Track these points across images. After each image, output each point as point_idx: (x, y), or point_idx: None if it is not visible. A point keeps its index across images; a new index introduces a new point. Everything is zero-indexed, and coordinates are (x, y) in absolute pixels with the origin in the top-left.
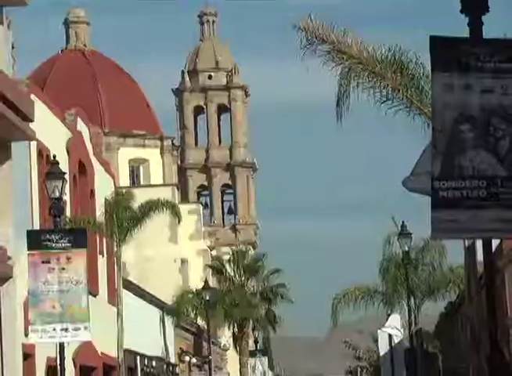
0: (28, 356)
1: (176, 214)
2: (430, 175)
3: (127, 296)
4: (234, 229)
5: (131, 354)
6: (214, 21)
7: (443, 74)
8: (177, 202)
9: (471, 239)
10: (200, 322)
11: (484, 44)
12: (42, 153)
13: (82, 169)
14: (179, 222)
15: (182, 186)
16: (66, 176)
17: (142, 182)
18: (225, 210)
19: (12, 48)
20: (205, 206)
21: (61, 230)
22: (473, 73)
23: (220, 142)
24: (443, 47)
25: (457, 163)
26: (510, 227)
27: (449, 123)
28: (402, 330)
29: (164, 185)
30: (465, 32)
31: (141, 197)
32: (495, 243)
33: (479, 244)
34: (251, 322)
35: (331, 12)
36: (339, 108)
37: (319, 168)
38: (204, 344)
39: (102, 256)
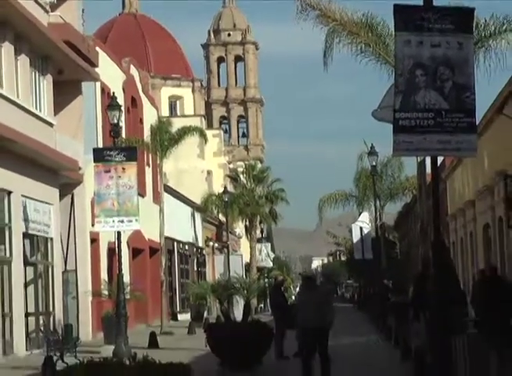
0: (94, 240)
1: (203, 136)
2: (392, 109)
3: (166, 197)
4: (246, 148)
5: (169, 240)
6: None
7: (403, 33)
8: (204, 128)
9: (422, 156)
10: (221, 217)
11: (433, 10)
12: (104, 90)
13: (134, 103)
14: (206, 142)
15: (208, 116)
16: (122, 108)
17: (178, 113)
18: (240, 134)
19: (83, 12)
20: (225, 131)
21: (118, 148)
22: (425, 32)
23: (236, 83)
24: (403, 12)
25: (412, 99)
26: (451, 147)
27: (407, 69)
28: (370, 224)
29: (194, 115)
30: (421, 1)
31: (177, 124)
32: (439, 159)
33: (428, 159)
34: (258, 217)
35: None
36: (325, 58)
37: (313, 104)
38: (224, 233)
39: (149, 167)
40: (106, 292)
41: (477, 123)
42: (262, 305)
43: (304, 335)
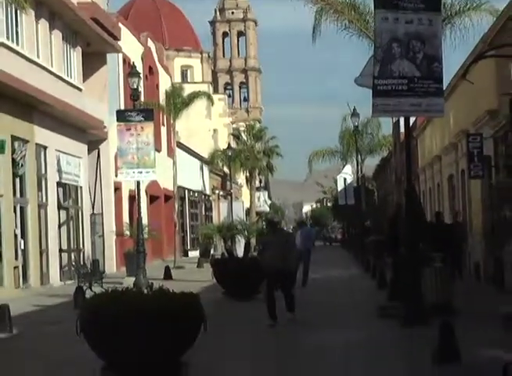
0: (117, 189)
1: (210, 100)
2: (372, 76)
3: (179, 152)
4: (247, 111)
5: (181, 188)
6: None
7: (381, 11)
8: (211, 93)
9: (397, 116)
10: (225, 169)
11: None
12: (126, 60)
13: (151, 71)
14: (212, 105)
15: (214, 83)
16: (141, 75)
17: (188, 80)
18: (242, 99)
19: None
20: (229, 96)
21: (137, 110)
22: (400, 10)
23: (238, 55)
24: None
25: (389, 68)
26: (421, 109)
27: (385, 42)
28: (352, 175)
29: (202, 82)
30: None
31: (188, 89)
32: (412, 119)
33: (402, 120)
34: (257, 169)
35: None
36: (314, 34)
37: (305, 72)
38: (227, 183)
39: (164, 126)
40: (127, 232)
41: (444, 88)
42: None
43: (268, 274)
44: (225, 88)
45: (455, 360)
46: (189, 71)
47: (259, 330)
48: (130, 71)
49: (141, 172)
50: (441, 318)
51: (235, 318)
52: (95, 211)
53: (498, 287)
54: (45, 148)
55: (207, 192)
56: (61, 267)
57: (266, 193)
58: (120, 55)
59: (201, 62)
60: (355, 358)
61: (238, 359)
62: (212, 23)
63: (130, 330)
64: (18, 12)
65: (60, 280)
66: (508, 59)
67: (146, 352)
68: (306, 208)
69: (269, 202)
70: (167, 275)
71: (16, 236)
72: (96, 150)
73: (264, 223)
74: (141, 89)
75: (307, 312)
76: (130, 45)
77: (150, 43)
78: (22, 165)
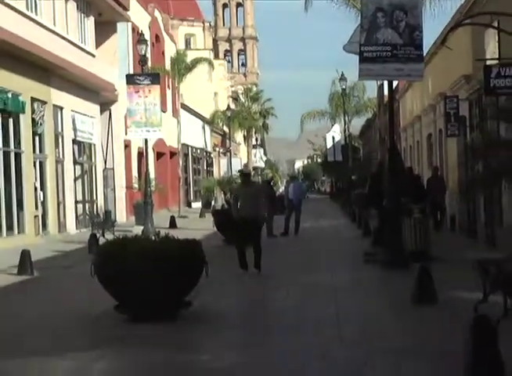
0: (127, 146)
1: (211, 65)
2: (358, 43)
3: (182, 113)
4: (244, 75)
5: (185, 146)
6: None
7: None
8: (212, 59)
9: (381, 80)
10: (225, 128)
11: None
12: (134, 29)
13: (157, 39)
14: (213, 70)
15: (215, 49)
16: (148, 43)
17: (191, 47)
18: (240, 64)
19: None
20: (228, 61)
21: (145, 74)
22: None
23: (237, 24)
24: None
25: (374, 36)
26: (403, 74)
27: (371, 13)
28: (340, 134)
29: (204, 49)
30: None
31: (191, 56)
32: (394, 83)
33: (386, 83)
34: (254, 128)
35: None
36: (306, 4)
37: (299, 40)
38: (227, 141)
39: (169, 89)
40: (136, 185)
41: (424, 55)
42: None
43: (240, 224)
44: (225, 55)
45: (431, 301)
46: (192, 39)
47: (255, 274)
48: (138, 39)
49: (148, 131)
50: (419, 263)
51: (234, 262)
52: (107, 167)
53: (471, 237)
54: (62, 108)
55: (209, 149)
56: (77, 216)
57: (262, 151)
58: (130, 24)
59: (203, 30)
60: (343, 296)
61: (234, 299)
62: None
63: (139, 272)
64: None
65: (76, 228)
66: (482, 28)
67: (153, 291)
68: (298, 164)
69: (265, 158)
70: (172, 224)
71: (35, 188)
72: (108, 111)
73: (240, 176)
74: (148, 55)
75: (298, 258)
76: (138, 15)
77: (157, 13)
78: (41, 124)
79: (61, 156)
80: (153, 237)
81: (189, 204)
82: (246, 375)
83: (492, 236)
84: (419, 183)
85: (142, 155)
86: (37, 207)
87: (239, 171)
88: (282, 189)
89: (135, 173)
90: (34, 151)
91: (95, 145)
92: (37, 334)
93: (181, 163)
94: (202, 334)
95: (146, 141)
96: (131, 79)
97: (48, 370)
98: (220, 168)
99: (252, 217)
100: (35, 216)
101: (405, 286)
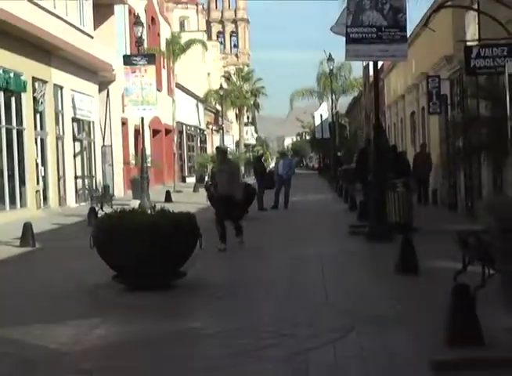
0: (124, 123)
1: (205, 46)
2: (345, 25)
3: (177, 92)
4: (236, 56)
5: (180, 123)
6: None
7: None
8: (205, 40)
9: (366, 61)
10: (218, 107)
11: None
12: (131, 11)
13: (153, 21)
14: (206, 51)
15: (208, 31)
16: (144, 25)
17: (185, 29)
18: (232, 45)
19: None
20: (221, 43)
21: (141, 55)
22: None
23: (229, 6)
24: None
25: (360, 18)
26: (388, 54)
27: None
28: (328, 112)
29: (198, 31)
30: None
31: (185, 37)
32: (379, 63)
33: (371, 64)
34: (245, 107)
35: None
36: None
37: (289, 21)
38: (220, 119)
39: (164, 69)
40: (133, 161)
41: (407, 36)
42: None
43: (218, 200)
44: (218, 36)
45: (414, 270)
46: (185, 21)
47: (246, 244)
48: (135, 21)
49: (144, 109)
50: (402, 235)
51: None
52: (105, 143)
53: (452, 210)
54: (62, 88)
55: (202, 126)
56: (76, 191)
57: (253, 128)
58: (127, 6)
59: (196, 13)
60: (330, 266)
61: (227, 269)
62: None
63: (135, 243)
64: None
65: (75, 202)
66: (463, 10)
67: (150, 262)
68: (287, 141)
69: (256, 136)
70: (168, 198)
71: (37, 164)
72: (106, 90)
73: (217, 154)
74: (144, 37)
75: (288, 230)
76: None
77: None
78: (42, 103)
79: (61, 133)
80: (149, 211)
81: (183, 179)
82: (236, 340)
83: (472, 209)
84: (402, 159)
85: (138, 132)
86: (38, 182)
87: (216, 148)
88: (272, 165)
89: (131, 150)
90: (35, 128)
91: (93, 122)
92: (38, 303)
93: (176, 140)
94: (195, 302)
95: (142, 119)
96: (127, 60)
97: (49, 336)
98: (213, 145)
99: (228, 194)
100: (37, 191)
101: (388, 256)
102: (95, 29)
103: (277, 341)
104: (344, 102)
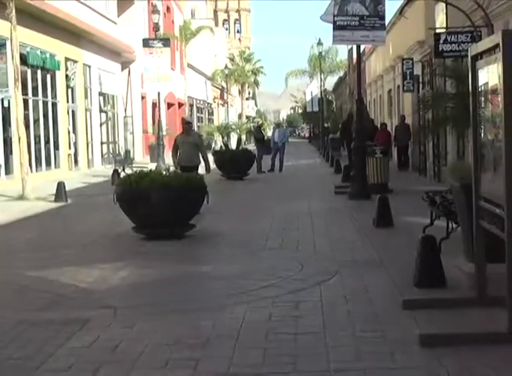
0: (143, 98)
1: (212, 32)
2: (333, 14)
3: (188, 71)
4: (239, 40)
5: (190, 98)
6: None
7: None
8: (213, 27)
9: (351, 45)
10: (223, 83)
11: None
12: (149, 1)
13: (168, 10)
14: (214, 35)
15: (215, 19)
16: (161, 12)
17: (196, 17)
18: (236, 31)
19: None
20: (226, 29)
21: (158, 38)
22: None
23: None
24: None
25: (345, 8)
26: (369, 39)
27: None
28: (317, 89)
29: (206, 18)
30: None
31: (195, 24)
32: (362, 47)
33: (354, 47)
34: (247, 84)
35: None
36: None
37: (283, 13)
38: (225, 94)
39: (177, 51)
40: (150, 130)
41: (386, 24)
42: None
43: (181, 169)
44: (223, 23)
45: (389, 224)
46: (196, 10)
47: (247, 200)
48: (152, 10)
49: (160, 85)
50: (379, 194)
51: (230, 193)
52: (126, 114)
53: (422, 174)
54: (90, 66)
55: (210, 101)
56: (102, 155)
57: (253, 102)
58: None
59: (205, 3)
60: (318, 221)
61: (230, 223)
62: None
63: (153, 199)
64: None
65: (101, 165)
66: (434, 1)
67: (164, 215)
68: (283, 114)
69: (255, 109)
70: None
71: (69, 132)
72: (128, 68)
73: (181, 123)
74: (160, 23)
75: (282, 190)
76: None
77: None
78: (73, 79)
79: (89, 105)
80: (164, 172)
81: None
82: (240, 279)
83: (438, 173)
84: (384, 130)
85: (155, 105)
86: (70, 147)
87: (182, 118)
88: (269, 134)
89: (149, 120)
90: (67, 101)
91: (117, 96)
92: (69, 249)
93: (187, 112)
94: (204, 250)
95: (159, 93)
96: (146, 43)
97: (79, 277)
98: (219, 117)
99: (190, 165)
100: (68, 154)
101: (368, 212)
102: (118, 16)
103: (273, 282)
104: (331, 80)
